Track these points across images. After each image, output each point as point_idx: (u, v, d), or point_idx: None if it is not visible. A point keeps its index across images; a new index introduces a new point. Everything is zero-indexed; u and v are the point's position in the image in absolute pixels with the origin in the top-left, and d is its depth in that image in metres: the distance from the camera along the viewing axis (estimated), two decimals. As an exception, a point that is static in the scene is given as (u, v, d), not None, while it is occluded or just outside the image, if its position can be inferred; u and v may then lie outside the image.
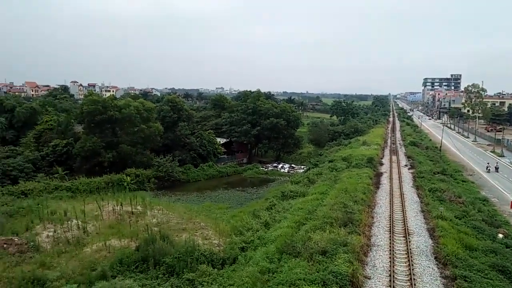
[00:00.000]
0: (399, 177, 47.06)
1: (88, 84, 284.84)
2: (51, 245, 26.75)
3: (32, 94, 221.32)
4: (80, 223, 30.45)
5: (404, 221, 29.36)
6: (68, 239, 27.58)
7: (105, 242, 26.37)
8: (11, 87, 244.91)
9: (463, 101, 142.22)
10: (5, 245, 25.58)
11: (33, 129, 74.21)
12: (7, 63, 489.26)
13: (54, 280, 20.97)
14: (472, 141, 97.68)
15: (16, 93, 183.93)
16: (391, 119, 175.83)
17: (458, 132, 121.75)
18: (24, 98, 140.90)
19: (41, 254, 25.22)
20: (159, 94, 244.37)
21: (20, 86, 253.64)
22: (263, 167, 79.81)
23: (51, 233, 28.80)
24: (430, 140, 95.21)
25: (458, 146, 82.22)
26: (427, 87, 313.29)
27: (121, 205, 34.82)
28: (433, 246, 24.62)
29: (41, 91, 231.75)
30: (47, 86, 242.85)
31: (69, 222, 30.49)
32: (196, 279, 21.07)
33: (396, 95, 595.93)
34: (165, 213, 35.68)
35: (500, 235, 26.78)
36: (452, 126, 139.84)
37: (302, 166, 78.51)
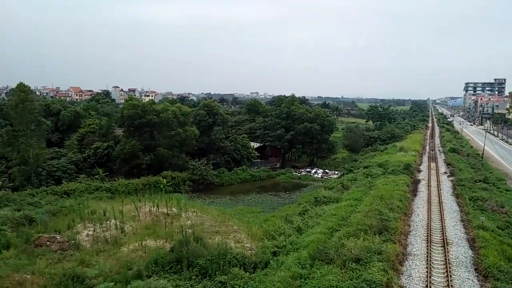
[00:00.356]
0: (437, 184, 45.43)
1: (129, 89, 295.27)
2: (91, 244, 27.87)
3: (77, 99, 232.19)
4: (118, 223, 31.56)
5: (442, 231, 28.30)
6: (106, 238, 28.64)
7: (141, 242, 27.16)
8: (57, 92, 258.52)
9: (508, 106, 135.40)
10: (48, 242, 26.93)
11: (76, 132, 77.86)
12: (55, 69, 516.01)
13: (93, 277, 21.76)
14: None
15: (62, 97, 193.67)
16: (430, 124, 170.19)
17: (502, 139, 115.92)
18: (69, 102, 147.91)
19: (81, 252, 26.26)
20: (195, 99, 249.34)
21: (65, 90, 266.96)
22: (296, 172, 79.44)
23: (91, 232, 30.05)
24: (472, 147, 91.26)
25: (502, 153, 78.33)
26: (469, 91, 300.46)
27: (157, 206, 35.78)
28: (473, 257, 23.58)
29: (85, 95, 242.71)
30: (91, 91, 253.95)
31: (107, 222, 31.68)
32: (228, 282, 21.26)
33: (435, 100, 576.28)
34: (199, 215, 36.30)
35: (548, 249, 25.26)
36: (496, 133, 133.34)
37: (336, 172, 77.46)
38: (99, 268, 23.05)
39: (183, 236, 26.57)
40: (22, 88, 56.09)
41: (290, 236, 28.90)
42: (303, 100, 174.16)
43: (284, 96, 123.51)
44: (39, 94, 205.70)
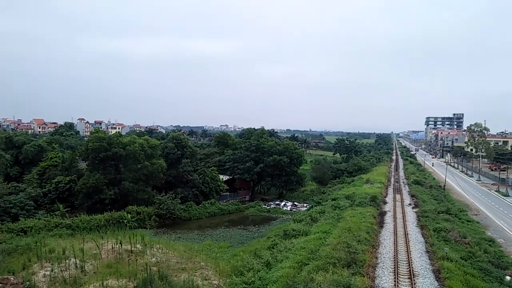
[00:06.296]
0: (403, 216, 46.42)
1: (95, 121, 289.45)
2: (48, 285, 26.20)
3: (39, 131, 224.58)
4: (78, 262, 29.93)
5: (409, 262, 28.67)
6: (65, 278, 27.02)
7: (103, 282, 25.80)
8: (19, 124, 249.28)
9: (466, 140, 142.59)
10: (0, 285, 25.06)
11: (37, 166, 74.65)
12: (16, 100, 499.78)
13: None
14: (476, 180, 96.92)
15: (24, 130, 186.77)
16: (394, 157, 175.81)
17: (462, 171, 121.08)
18: (31, 135, 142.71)
19: (37, 294, 24.62)
20: (164, 131, 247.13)
21: (28, 123, 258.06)
22: (265, 204, 79.03)
23: (48, 272, 28.26)
24: (434, 179, 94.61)
25: (462, 185, 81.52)
26: (430, 125, 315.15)
27: (120, 243, 34.34)
28: (439, 288, 23.89)
29: (48, 128, 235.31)
30: (55, 123, 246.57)
31: (67, 261, 29.99)
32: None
33: (399, 134, 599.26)
34: (165, 252, 35.10)
35: (508, 277, 26.04)
36: (456, 165, 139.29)
37: (305, 204, 77.71)
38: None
39: (147, 275, 25.51)
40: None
41: (259, 271, 28.38)
42: (272, 133, 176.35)
43: (254, 128, 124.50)
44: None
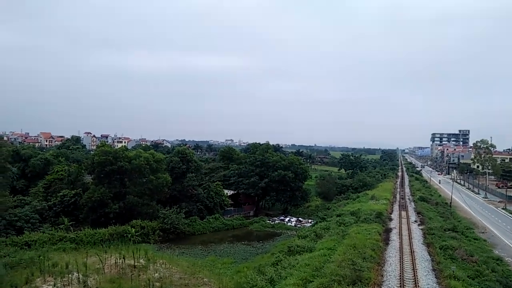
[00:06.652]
0: (408, 233, 45.90)
1: (101, 135, 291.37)
2: (50, 299, 26.03)
3: (46, 144, 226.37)
4: (81, 276, 29.79)
5: (415, 281, 28.27)
6: (67, 293, 26.86)
7: (105, 297, 25.61)
8: (26, 137, 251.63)
9: (473, 156, 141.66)
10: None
11: (43, 179, 75.07)
12: (24, 114, 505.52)
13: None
14: (483, 198, 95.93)
15: (31, 143, 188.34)
16: (399, 173, 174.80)
17: (468, 188, 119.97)
18: (38, 148, 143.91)
19: (39, 308, 24.47)
20: (169, 146, 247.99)
21: (35, 136, 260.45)
22: (269, 220, 78.59)
23: (50, 287, 28.14)
24: (440, 195, 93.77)
25: (469, 202, 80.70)
26: (436, 142, 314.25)
27: (123, 258, 34.18)
28: (445, 308, 23.48)
29: (55, 141, 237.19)
30: (61, 136, 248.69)
31: (69, 275, 29.86)
32: None
33: (404, 150, 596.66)
34: (168, 267, 34.83)
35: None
36: (462, 182, 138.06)
37: (310, 220, 77.14)
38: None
39: (150, 290, 25.30)
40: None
41: (263, 288, 28.05)
42: (277, 148, 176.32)
43: (259, 143, 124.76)
44: (6, 139, 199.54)
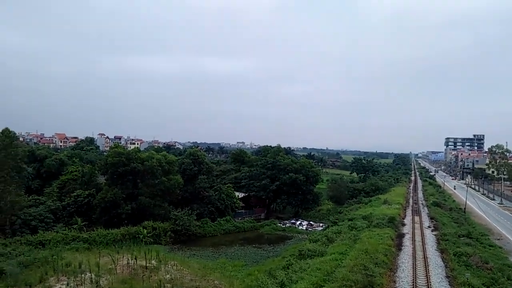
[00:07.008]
0: (422, 239, 45.26)
1: (115, 137, 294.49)
2: (63, 299, 26.36)
3: (61, 145, 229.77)
4: (93, 276, 30.12)
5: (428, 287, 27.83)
6: (80, 292, 27.17)
7: (117, 298, 25.82)
8: (41, 138, 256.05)
9: (488, 161, 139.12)
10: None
11: (58, 179, 76.21)
12: (39, 115, 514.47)
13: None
14: (498, 203, 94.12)
15: (46, 144, 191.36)
16: (412, 178, 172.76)
17: (483, 194, 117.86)
18: (53, 149, 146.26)
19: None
20: (181, 148, 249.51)
21: (50, 137, 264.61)
22: (280, 223, 78.34)
23: (64, 286, 28.51)
24: (454, 201, 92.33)
25: (484, 208, 79.26)
26: (450, 146, 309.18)
27: (135, 259, 34.47)
28: (459, 316, 23.06)
29: (70, 142, 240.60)
30: (76, 138, 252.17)
31: (82, 275, 30.21)
32: None
33: (417, 154, 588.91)
34: (179, 269, 35.02)
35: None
36: (477, 187, 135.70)
37: (321, 224, 76.70)
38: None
39: (161, 292, 25.43)
40: (7, 134, 55.46)
41: (273, 292, 27.96)
42: (289, 151, 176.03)
43: (270, 146, 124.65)
44: (22, 140, 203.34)
